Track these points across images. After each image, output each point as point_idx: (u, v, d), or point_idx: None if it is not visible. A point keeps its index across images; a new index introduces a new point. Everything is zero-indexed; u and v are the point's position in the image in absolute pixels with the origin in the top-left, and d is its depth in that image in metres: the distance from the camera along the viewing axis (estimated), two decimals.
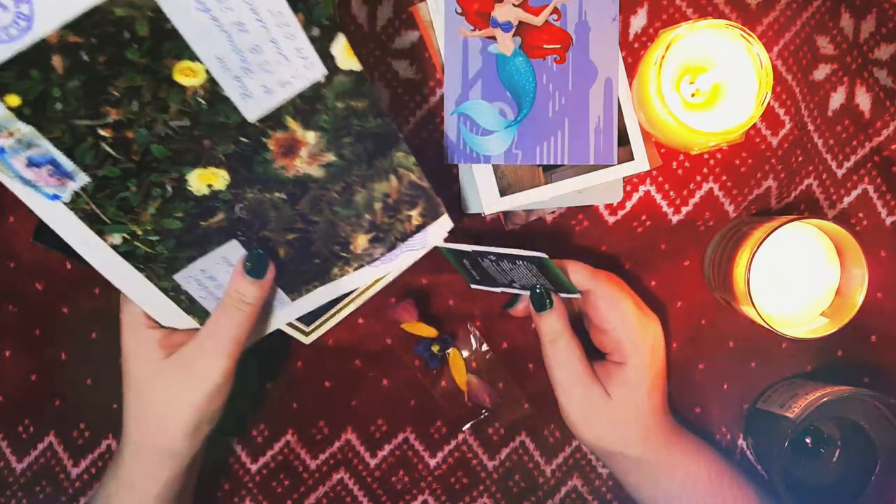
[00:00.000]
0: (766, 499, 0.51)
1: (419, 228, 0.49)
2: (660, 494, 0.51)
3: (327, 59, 0.41)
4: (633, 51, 0.54)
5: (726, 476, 0.51)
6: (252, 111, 0.42)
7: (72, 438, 0.57)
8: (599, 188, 0.55)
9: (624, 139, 0.54)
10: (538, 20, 0.52)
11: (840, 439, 0.55)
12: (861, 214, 0.56)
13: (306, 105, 0.42)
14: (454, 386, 0.57)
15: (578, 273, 0.50)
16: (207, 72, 0.40)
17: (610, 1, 0.53)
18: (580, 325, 0.54)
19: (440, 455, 0.58)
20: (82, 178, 0.42)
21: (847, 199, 0.56)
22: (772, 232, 0.47)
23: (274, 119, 0.42)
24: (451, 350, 0.56)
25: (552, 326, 0.50)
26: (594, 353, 0.52)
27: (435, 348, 0.55)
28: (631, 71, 0.54)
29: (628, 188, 0.56)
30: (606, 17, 0.53)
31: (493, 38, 0.53)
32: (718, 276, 0.53)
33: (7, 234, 0.55)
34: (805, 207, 0.56)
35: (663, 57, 0.47)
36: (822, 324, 0.51)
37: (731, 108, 0.50)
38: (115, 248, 0.45)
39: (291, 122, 0.43)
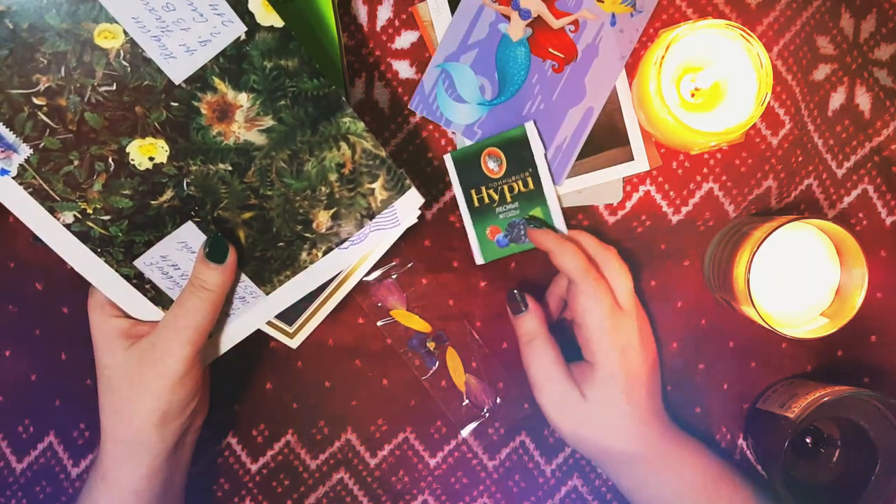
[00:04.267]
0: (764, 501, 0.50)
1: (386, 204, 0.49)
2: (652, 498, 0.50)
3: (245, 15, 0.42)
4: (633, 51, 0.54)
5: (722, 480, 0.50)
6: (176, 72, 0.43)
7: (72, 438, 0.57)
8: (599, 188, 0.55)
9: (624, 139, 0.54)
10: (556, 23, 0.52)
11: (840, 439, 0.55)
12: (861, 214, 0.56)
13: (231, 64, 0.43)
14: (454, 386, 0.57)
15: (571, 260, 0.50)
16: (126, 33, 0.41)
17: (628, 41, 0.53)
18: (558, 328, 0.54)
19: (440, 455, 0.58)
20: (25, 151, 0.43)
21: (847, 199, 0.56)
22: (772, 232, 0.47)
23: (201, 80, 0.43)
24: (447, 349, 0.56)
25: (528, 327, 0.51)
26: (576, 356, 0.52)
27: (430, 345, 0.55)
28: (631, 71, 0.54)
29: (628, 188, 0.56)
30: (616, 53, 0.53)
31: (508, 18, 0.52)
32: (718, 276, 0.53)
33: (7, 234, 0.55)
34: (805, 207, 0.56)
35: (663, 57, 0.47)
36: (822, 324, 0.51)
37: (731, 108, 0.50)
38: (68, 227, 0.45)
39: (220, 84, 0.43)
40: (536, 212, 0.53)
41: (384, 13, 0.54)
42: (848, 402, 0.52)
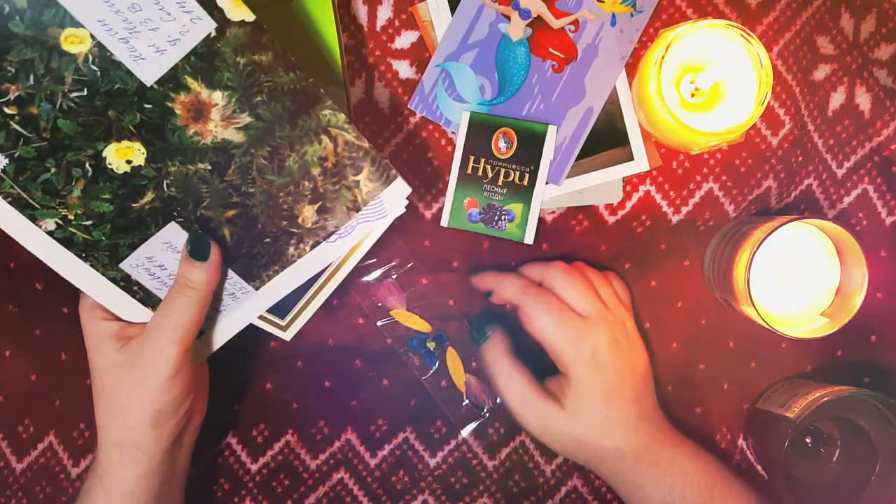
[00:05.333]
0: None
1: (372, 195, 0.48)
2: (647, 501, 0.50)
3: (214, 11, 0.41)
4: (633, 51, 0.54)
5: (718, 483, 0.50)
6: (147, 73, 0.42)
7: (72, 438, 0.57)
8: (599, 188, 0.55)
9: (624, 139, 0.54)
10: (556, 23, 0.52)
11: (840, 439, 0.55)
12: (861, 214, 0.56)
13: (203, 62, 0.43)
14: (454, 386, 0.57)
15: (509, 287, 0.52)
16: (93, 37, 0.41)
17: (628, 41, 0.53)
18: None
19: (440, 455, 0.58)
20: (1, 161, 0.43)
21: (847, 199, 0.56)
22: (772, 232, 0.47)
23: (173, 80, 0.43)
24: (447, 349, 0.56)
25: (491, 356, 0.52)
26: (553, 369, 0.52)
27: (431, 345, 0.55)
28: (631, 71, 0.54)
29: (628, 188, 0.56)
30: (617, 53, 0.53)
31: (508, 18, 0.52)
32: (718, 276, 0.53)
33: (7, 234, 0.55)
34: (805, 207, 0.56)
35: (663, 57, 0.47)
36: (822, 324, 0.51)
37: (731, 108, 0.50)
38: (50, 234, 0.45)
39: (192, 83, 0.43)
40: (517, 208, 0.53)
41: (384, 13, 0.54)
42: (848, 402, 0.52)
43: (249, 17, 0.42)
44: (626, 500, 0.52)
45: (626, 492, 0.52)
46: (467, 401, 0.57)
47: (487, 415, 0.57)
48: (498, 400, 0.57)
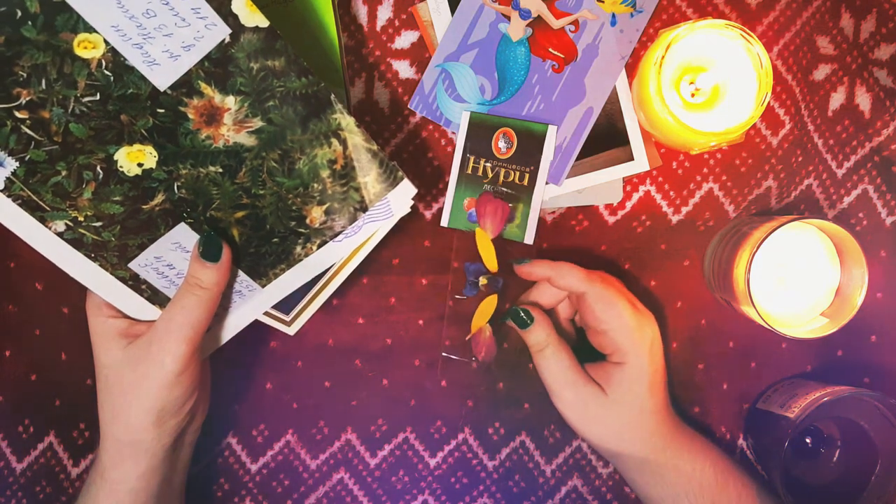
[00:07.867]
0: (767, 497, 0.51)
1: (379, 196, 0.48)
2: (666, 493, 0.51)
3: (229, 17, 0.41)
4: (633, 51, 0.54)
5: (731, 475, 0.51)
6: (161, 79, 0.42)
7: (72, 438, 0.57)
8: (599, 188, 0.55)
9: (624, 139, 0.54)
10: (556, 23, 0.52)
11: (840, 439, 0.55)
12: (861, 214, 0.56)
13: (217, 68, 0.42)
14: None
15: (572, 276, 0.51)
16: (106, 42, 0.41)
17: (627, 41, 0.53)
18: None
19: (440, 455, 0.58)
20: (11, 164, 0.43)
21: (847, 199, 0.56)
22: (772, 232, 0.47)
23: (186, 85, 0.43)
24: (492, 294, 0.54)
25: (537, 338, 0.52)
26: (594, 355, 0.52)
27: (483, 281, 0.54)
28: (631, 71, 0.54)
29: (628, 188, 0.56)
30: (617, 53, 0.53)
31: (508, 17, 0.52)
32: (718, 276, 0.53)
33: (7, 234, 0.55)
34: (805, 207, 0.56)
35: (663, 57, 0.47)
36: (822, 324, 0.51)
37: (731, 108, 0.50)
38: (60, 235, 0.45)
39: (206, 88, 0.43)
40: (517, 208, 0.53)
41: (384, 13, 0.54)
42: (848, 402, 0.52)
43: (264, 22, 0.42)
44: (644, 492, 0.52)
45: (645, 483, 0.52)
46: (468, 340, 0.54)
47: (474, 365, 0.56)
48: (494, 359, 0.55)
